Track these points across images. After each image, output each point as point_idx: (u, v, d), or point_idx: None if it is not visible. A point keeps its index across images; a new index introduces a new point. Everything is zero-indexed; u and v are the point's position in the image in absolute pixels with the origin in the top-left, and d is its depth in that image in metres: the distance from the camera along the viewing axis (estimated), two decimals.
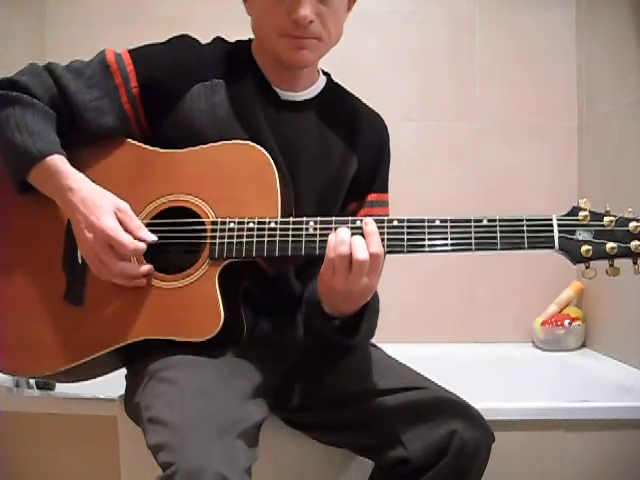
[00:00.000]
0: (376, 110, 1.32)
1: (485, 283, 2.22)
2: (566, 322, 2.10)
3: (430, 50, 2.25)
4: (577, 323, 2.11)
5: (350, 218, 1.05)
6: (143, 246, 1.06)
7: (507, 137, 2.24)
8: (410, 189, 2.07)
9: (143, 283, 1.09)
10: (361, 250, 0.98)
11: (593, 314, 2.13)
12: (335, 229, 1.03)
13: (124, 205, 1.08)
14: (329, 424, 1.18)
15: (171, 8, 2.18)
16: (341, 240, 0.99)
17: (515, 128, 2.24)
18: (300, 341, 1.23)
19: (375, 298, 1.12)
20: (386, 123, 1.32)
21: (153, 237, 1.08)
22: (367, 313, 1.10)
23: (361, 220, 1.03)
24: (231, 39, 1.25)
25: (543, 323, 2.13)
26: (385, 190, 1.30)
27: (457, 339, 2.21)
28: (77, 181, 1.07)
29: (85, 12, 2.19)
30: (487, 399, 1.23)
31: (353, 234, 1.00)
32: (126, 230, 1.06)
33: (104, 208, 1.05)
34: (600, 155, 2.09)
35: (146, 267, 1.08)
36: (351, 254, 0.98)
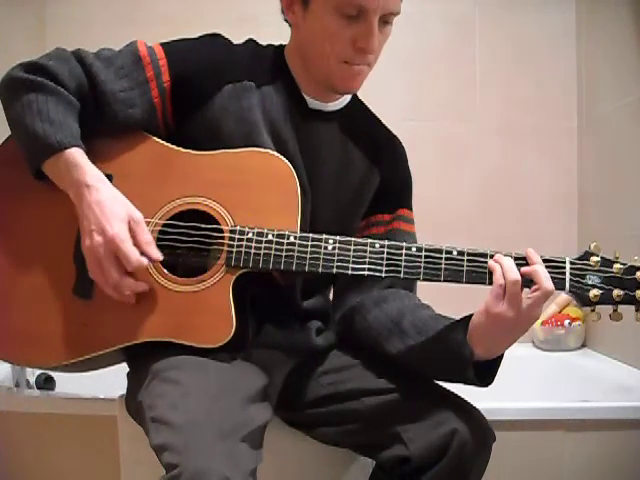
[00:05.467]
0: (376, 110, 1.31)
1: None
2: (566, 322, 2.10)
3: (430, 50, 2.25)
4: (577, 323, 2.11)
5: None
6: (146, 262, 1.03)
7: (507, 137, 2.24)
8: None
9: (131, 300, 1.06)
10: (548, 281, 0.98)
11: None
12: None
13: (138, 216, 1.05)
14: (330, 423, 1.18)
15: (171, 8, 2.18)
16: (509, 266, 0.99)
17: (515, 128, 2.24)
18: (303, 345, 1.22)
19: None
20: (385, 123, 1.31)
21: (159, 256, 1.05)
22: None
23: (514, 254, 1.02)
24: (231, 39, 1.24)
25: (543, 323, 2.13)
26: (411, 208, 1.30)
27: None
28: (95, 180, 1.05)
29: (85, 12, 2.19)
30: (487, 399, 1.23)
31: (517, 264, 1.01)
32: (135, 242, 1.03)
33: (119, 216, 1.03)
34: (600, 155, 2.09)
35: (142, 286, 1.06)
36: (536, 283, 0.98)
